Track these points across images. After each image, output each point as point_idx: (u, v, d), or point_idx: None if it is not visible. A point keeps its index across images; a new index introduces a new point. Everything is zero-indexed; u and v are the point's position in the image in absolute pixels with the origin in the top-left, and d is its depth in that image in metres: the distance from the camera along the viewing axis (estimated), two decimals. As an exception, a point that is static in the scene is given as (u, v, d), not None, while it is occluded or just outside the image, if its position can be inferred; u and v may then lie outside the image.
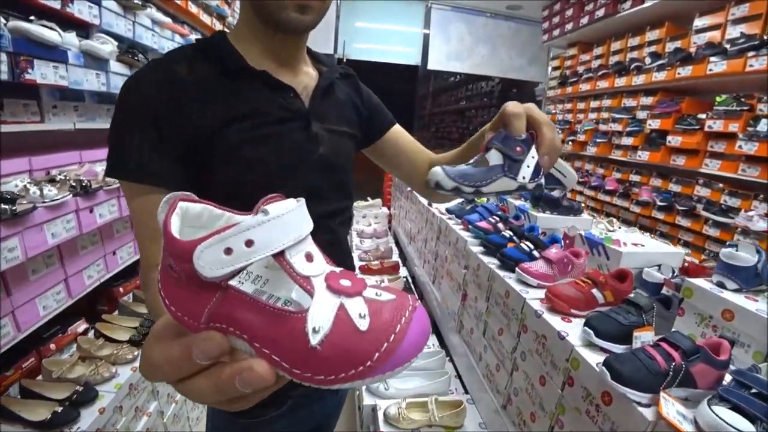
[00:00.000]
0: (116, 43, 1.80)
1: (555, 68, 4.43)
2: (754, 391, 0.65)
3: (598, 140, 3.51)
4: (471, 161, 0.62)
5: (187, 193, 0.34)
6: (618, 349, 0.87)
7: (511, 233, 1.51)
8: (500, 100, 6.28)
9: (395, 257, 2.86)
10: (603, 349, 0.88)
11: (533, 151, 0.61)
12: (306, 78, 0.80)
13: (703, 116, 2.67)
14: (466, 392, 1.60)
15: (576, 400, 0.90)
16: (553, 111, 4.38)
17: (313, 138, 0.76)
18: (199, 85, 0.67)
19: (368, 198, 4.14)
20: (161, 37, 2.18)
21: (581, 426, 0.88)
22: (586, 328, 0.90)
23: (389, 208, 4.08)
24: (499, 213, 1.81)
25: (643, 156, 3.06)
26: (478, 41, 4.92)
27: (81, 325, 1.86)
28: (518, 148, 0.59)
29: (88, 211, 1.66)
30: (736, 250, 1.01)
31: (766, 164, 2.35)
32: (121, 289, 2.12)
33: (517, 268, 1.23)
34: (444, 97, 7.38)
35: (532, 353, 1.10)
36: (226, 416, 0.86)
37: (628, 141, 3.20)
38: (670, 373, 0.71)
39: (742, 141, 2.43)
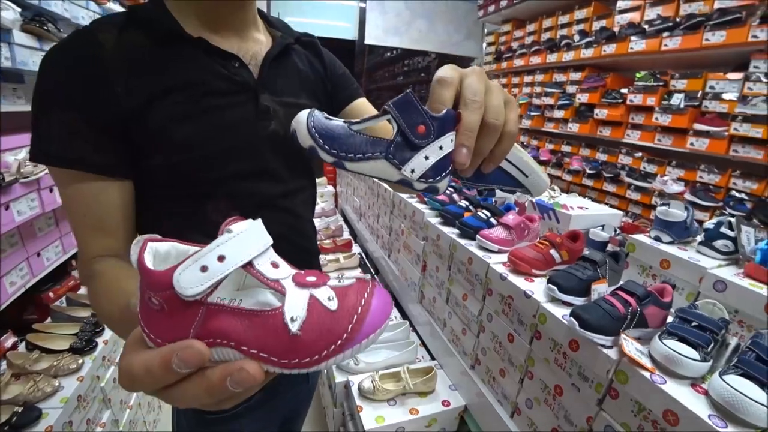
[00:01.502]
0: (19, 10, 1.55)
1: (490, 44, 4.54)
2: (694, 324, 0.77)
3: (531, 113, 3.69)
4: (359, 119, 0.42)
5: (154, 234, 0.35)
6: (579, 301, 0.96)
7: (467, 203, 1.56)
8: (437, 75, 6.36)
9: (346, 235, 2.84)
10: (566, 303, 0.97)
11: (447, 139, 0.40)
12: (255, 45, 0.72)
13: (625, 91, 2.90)
14: (433, 359, 1.67)
15: (544, 351, 0.99)
16: (489, 86, 4.51)
17: (263, 112, 0.68)
18: (126, 56, 0.59)
19: (311, 177, 4.03)
20: (73, 4, 1.91)
21: (550, 374, 0.97)
22: (550, 285, 0.98)
23: (335, 186, 4.00)
24: (453, 184, 1.85)
25: (573, 128, 3.27)
26: (415, 16, 4.88)
27: (8, 339, 1.66)
28: (421, 127, 0.39)
29: (4, 208, 1.46)
30: (669, 208, 1.13)
31: (677, 134, 2.61)
32: (51, 294, 1.91)
33: (477, 236, 1.29)
34: (380, 72, 7.27)
35: (498, 314, 1.17)
36: (192, 414, 0.82)
37: (559, 114, 3.40)
38: (628, 316, 0.80)
39: (657, 113, 2.68)
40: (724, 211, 2.40)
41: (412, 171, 0.39)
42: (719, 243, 0.99)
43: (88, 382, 1.59)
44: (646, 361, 0.73)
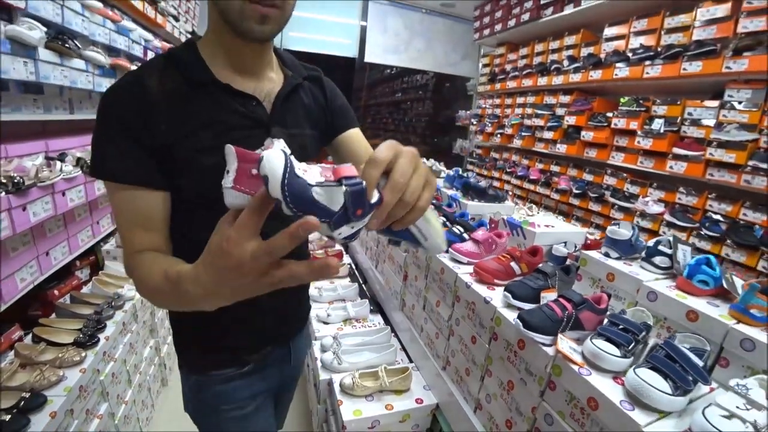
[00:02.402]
0: (44, 29, 1.69)
1: (485, 65, 4.70)
2: (621, 327, 0.89)
3: (523, 134, 3.83)
4: (322, 182, 0.45)
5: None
6: (529, 307, 1.08)
7: (445, 219, 1.69)
8: (434, 93, 6.56)
9: (338, 246, 2.96)
10: (518, 308, 1.09)
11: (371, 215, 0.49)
12: (269, 84, 0.85)
13: (610, 115, 3.04)
14: (411, 361, 1.79)
15: (500, 350, 1.11)
16: (483, 105, 4.67)
17: None
18: (166, 97, 0.73)
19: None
20: (92, 23, 2.06)
21: (504, 371, 1.09)
22: (505, 293, 1.12)
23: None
24: (434, 201, 1.99)
25: (562, 149, 3.41)
26: (414, 36, 5.07)
27: (15, 332, 1.76)
28: (360, 210, 0.46)
29: (21, 209, 1.58)
30: (618, 227, 1.25)
31: (658, 157, 2.74)
32: (56, 292, 2.02)
33: (450, 249, 1.41)
34: (380, 88, 7.51)
35: (464, 318, 1.30)
36: (196, 379, 0.99)
37: (549, 135, 3.54)
38: (564, 320, 0.92)
39: (640, 137, 2.81)
40: (700, 232, 2.52)
41: (340, 234, 0.47)
42: (657, 259, 1.11)
43: (90, 375, 1.70)
44: (577, 357, 0.84)
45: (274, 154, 0.43)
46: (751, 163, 2.26)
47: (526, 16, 3.71)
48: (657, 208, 2.77)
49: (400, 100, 7.06)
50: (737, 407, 0.66)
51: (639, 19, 2.89)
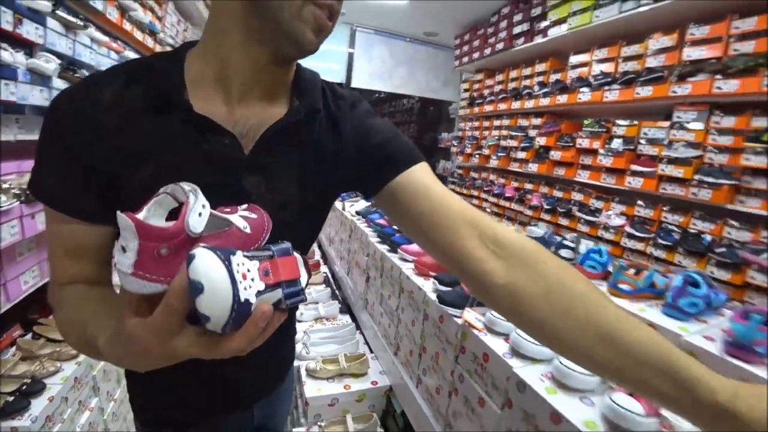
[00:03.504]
0: (59, 61, 1.94)
1: (465, 90, 4.99)
2: None
3: (499, 154, 4.07)
4: (264, 287, 0.41)
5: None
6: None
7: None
8: (419, 117, 6.87)
9: (317, 257, 3.17)
10: (442, 291, 1.27)
11: None
12: (262, 115, 0.64)
13: (576, 135, 3.27)
14: (372, 352, 1.99)
15: (429, 328, 1.29)
16: (464, 128, 4.94)
17: (245, 197, 0.59)
18: (122, 118, 0.57)
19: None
20: (98, 54, 2.32)
21: (434, 344, 1.27)
22: (434, 280, 1.32)
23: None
24: None
25: (533, 168, 3.64)
26: (398, 63, 5.41)
27: (17, 330, 1.95)
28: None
29: (31, 217, 1.78)
30: (535, 227, 1.46)
31: (618, 174, 2.96)
32: (56, 294, 2.20)
33: (399, 249, 1.61)
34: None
35: (406, 307, 1.49)
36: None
37: (522, 155, 3.77)
38: (470, 296, 1.10)
39: (602, 155, 3.04)
40: (657, 242, 2.71)
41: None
42: (563, 251, 1.31)
43: (84, 368, 1.87)
44: (479, 324, 1.03)
45: (210, 262, 0.35)
46: (696, 177, 2.48)
47: (500, 46, 4.00)
48: (618, 221, 2.97)
49: (387, 123, 7.27)
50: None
51: (599, 48, 3.16)
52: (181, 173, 0.52)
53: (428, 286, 1.33)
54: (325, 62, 5.23)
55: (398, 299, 1.54)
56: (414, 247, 1.57)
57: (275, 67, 0.63)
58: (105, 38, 2.38)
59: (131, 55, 2.78)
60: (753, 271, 2.22)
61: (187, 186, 0.42)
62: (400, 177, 0.68)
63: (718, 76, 2.36)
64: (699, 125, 2.53)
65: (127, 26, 2.70)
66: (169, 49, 3.29)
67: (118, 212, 0.39)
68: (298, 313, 2.32)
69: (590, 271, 1.16)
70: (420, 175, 0.69)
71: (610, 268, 1.15)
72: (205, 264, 0.35)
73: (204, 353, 0.42)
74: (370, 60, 5.23)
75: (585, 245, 1.27)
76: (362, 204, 2.39)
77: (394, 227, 1.88)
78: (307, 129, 0.67)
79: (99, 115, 0.57)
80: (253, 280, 0.38)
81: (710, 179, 2.42)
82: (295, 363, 1.88)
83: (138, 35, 2.89)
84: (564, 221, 3.37)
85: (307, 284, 0.46)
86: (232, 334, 0.40)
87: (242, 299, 0.37)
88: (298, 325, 2.25)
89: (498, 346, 0.97)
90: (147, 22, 3.00)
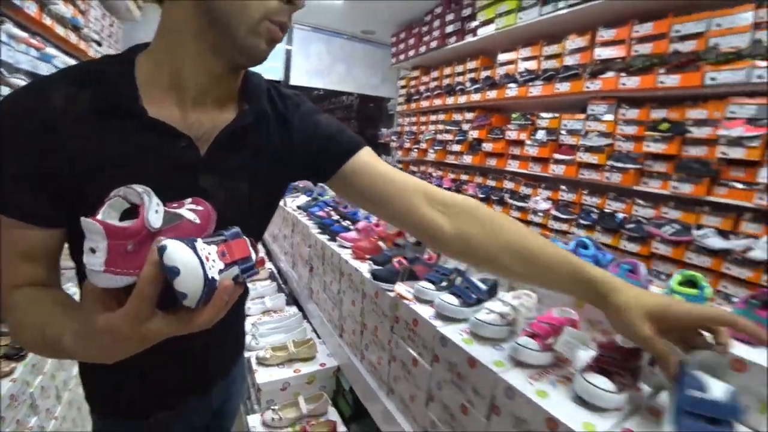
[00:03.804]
0: (-34, 58, 1.84)
1: (402, 87, 5.15)
2: (441, 273, 1.20)
3: (436, 148, 4.26)
4: (224, 266, 0.48)
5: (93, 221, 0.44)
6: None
7: (339, 217, 2.00)
8: (359, 113, 6.98)
9: (261, 254, 3.18)
10: (376, 269, 1.38)
11: None
12: (216, 119, 0.68)
13: (505, 128, 3.51)
14: (320, 338, 2.07)
15: (369, 305, 1.39)
16: (402, 123, 5.11)
17: (201, 193, 0.61)
18: (75, 123, 0.58)
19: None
20: (16, 51, 2.20)
21: (374, 319, 1.37)
22: (369, 261, 1.42)
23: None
24: (333, 204, 2.35)
25: (468, 159, 3.85)
26: (336, 60, 5.48)
27: (-58, 348, 1.82)
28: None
29: None
30: None
31: (543, 162, 3.22)
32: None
33: (338, 237, 1.72)
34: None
35: (347, 289, 1.58)
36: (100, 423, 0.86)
37: (457, 148, 3.98)
38: (401, 272, 1.22)
39: (528, 146, 3.29)
40: (579, 222, 2.98)
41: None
42: None
43: (20, 385, 1.78)
44: (408, 295, 1.15)
45: (181, 249, 0.42)
46: (609, 163, 2.77)
47: (434, 44, 4.19)
48: (545, 205, 3.24)
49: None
50: (494, 309, 0.99)
51: (523, 47, 3.41)
52: (141, 176, 0.52)
53: (364, 268, 1.44)
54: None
55: (339, 284, 1.63)
56: (351, 234, 1.67)
57: (228, 75, 0.67)
58: (23, 34, 2.26)
59: (52, 51, 2.65)
60: (656, 242, 2.53)
61: (139, 188, 0.46)
62: (351, 161, 0.77)
63: (623, 74, 2.65)
64: (609, 117, 2.82)
65: (47, 21, 2.56)
66: (96, 45, 3.18)
67: (83, 218, 0.43)
68: (245, 306, 2.35)
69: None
70: (367, 158, 0.79)
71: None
72: (177, 251, 0.42)
73: (178, 330, 0.48)
74: (308, 57, 5.25)
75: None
76: (303, 199, 2.47)
77: (333, 218, 1.97)
78: (257, 130, 0.72)
79: (53, 121, 0.57)
80: (214, 261, 0.46)
81: (620, 164, 2.71)
82: (246, 354, 1.93)
83: (60, 31, 2.74)
84: (498, 208, 3.60)
85: (256, 261, 0.53)
86: (202, 309, 0.46)
87: (210, 277, 0.44)
88: (246, 319, 2.29)
89: (425, 311, 1.09)
90: (69, 16, 2.82)
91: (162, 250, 0.42)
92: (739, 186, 2.21)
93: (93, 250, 0.43)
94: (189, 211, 0.51)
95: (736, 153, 2.18)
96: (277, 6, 0.59)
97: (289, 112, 0.77)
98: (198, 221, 0.51)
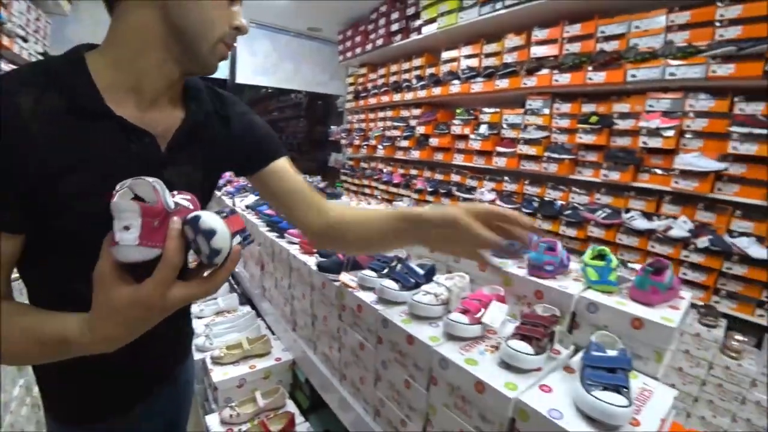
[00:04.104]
0: None
1: (350, 84, 5.19)
2: (381, 260, 1.27)
3: (385, 144, 4.35)
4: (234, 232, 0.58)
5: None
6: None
7: None
8: (308, 111, 6.94)
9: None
10: (321, 261, 1.43)
11: None
12: (170, 119, 0.74)
13: (450, 123, 3.64)
14: (274, 334, 2.09)
15: (318, 296, 1.44)
16: (351, 120, 5.16)
17: (167, 186, 0.61)
18: (42, 125, 0.59)
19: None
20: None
21: (323, 309, 1.42)
22: (316, 255, 1.47)
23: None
24: None
25: (416, 154, 3.96)
26: (283, 57, 5.42)
27: None
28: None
29: None
30: (401, 201, 1.69)
31: (487, 155, 3.37)
32: None
33: (286, 234, 1.75)
34: (257, 108, 7.64)
35: (297, 283, 1.62)
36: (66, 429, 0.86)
37: (405, 143, 4.08)
38: (345, 262, 1.28)
39: (472, 140, 3.43)
40: (522, 210, 3.15)
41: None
42: None
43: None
44: (353, 284, 1.21)
45: (213, 216, 0.53)
46: (546, 154, 2.94)
47: (380, 42, 4.26)
48: (490, 196, 3.39)
49: (277, 119, 7.35)
50: (430, 290, 1.08)
51: (465, 45, 3.54)
52: (112, 173, 0.57)
53: (312, 261, 1.48)
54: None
55: (289, 278, 1.66)
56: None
57: (180, 79, 0.74)
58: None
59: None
60: (591, 226, 2.73)
61: (149, 179, 0.52)
62: (274, 164, 0.91)
63: (556, 71, 2.83)
64: (545, 111, 3.00)
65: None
66: (21, 41, 2.98)
67: (124, 198, 0.50)
68: (198, 308, 2.33)
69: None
70: (286, 164, 0.93)
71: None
72: (211, 217, 0.52)
73: (199, 294, 0.56)
74: (254, 55, 5.16)
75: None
76: (252, 198, 2.47)
77: (281, 215, 1.99)
78: (206, 126, 0.80)
79: (19, 125, 0.57)
80: None
81: (556, 155, 2.89)
82: (200, 355, 1.93)
83: (-19, 26, 2.56)
84: (446, 201, 3.73)
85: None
86: (220, 271, 0.56)
87: (232, 238, 0.55)
88: (199, 321, 2.27)
89: (368, 297, 1.15)
90: (-8, 11, 2.66)
91: (197, 218, 0.51)
92: (659, 172, 2.43)
93: (127, 228, 0.49)
94: (182, 199, 0.58)
95: (655, 142, 2.39)
96: (230, 31, 0.71)
97: (227, 109, 0.87)
98: (191, 207, 0.58)
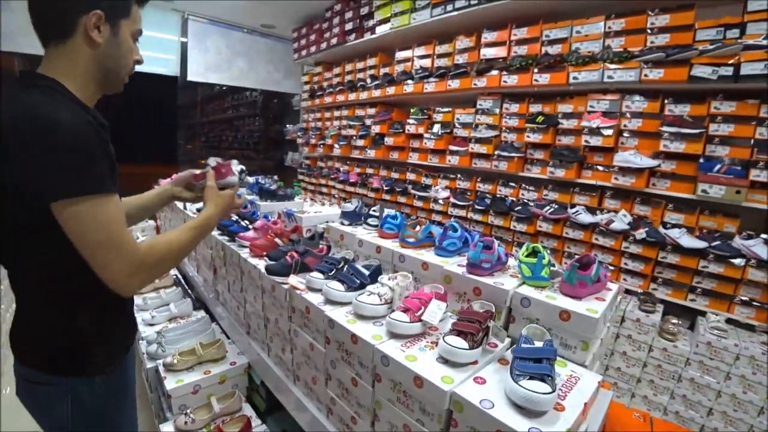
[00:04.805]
0: None
1: (306, 83, 5.14)
2: (328, 262, 1.32)
3: (341, 143, 4.35)
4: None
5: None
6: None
7: (238, 218, 2.01)
8: (263, 109, 6.81)
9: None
10: (270, 264, 1.45)
11: None
12: None
13: (405, 122, 3.69)
14: (228, 338, 2.07)
15: (268, 299, 1.46)
16: (307, 119, 5.12)
17: None
18: (102, 130, 0.86)
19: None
20: None
21: (273, 312, 1.45)
22: (265, 258, 1.46)
23: (156, 220, 4.11)
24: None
25: (372, 153, 3.99)
26: (236, 54, 5.27)
27: None
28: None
29: None
30: (347, 203, 1.72)
31: (440, 154, 3.44)
32: None
33: (236, 237, 1.73)
34: (211, 106, 7.52)
35: (248, 286, 1.63)
36: (98, 378, 1.01)
37: (361, 142, 4.10)
38: (293, 264, 1.30)
39: (426, 139, 3.49)
40: (475, 207, 3.24)
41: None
42: (371, 220, 1.58)
43: None
44: (301, 286, 1.23)
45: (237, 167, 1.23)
46: (496, 152, 3.04)
47: (334, 41, 4.25)
48: (444, 194, 3.46)
49: (232, 117, 7.21)
50: (374, 290, 1.11)
51: (419, 46, 3.59)
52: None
53: (262, 265, 1.49)
54: (155, 52, 4.80)
55: (241, 282, 1.66)
56: (249, 233, 1.71)
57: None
58: None
59: None
60: (540, 221, 2.85)
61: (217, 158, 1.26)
62: None
63: (504, 72, 2.93)
64: (496, 111, 3.10)
65: None
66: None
67: (217, 160, 1.25)
68: (149, 315, 2.26)
69: (388, 231, 1.44)
70: None
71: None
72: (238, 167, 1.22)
73: (235, 204, 1.18)
74: (206, 51, 4.99)
75: (387, 213, 1.54)
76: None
77: (232, 219, 1.96)
78: None
79: (96, 128, 0.84)
80: None
81: (505, 153, 2.99)
82: (152, 363, 1.88)
83: None
84: (402, 199, 3.79)
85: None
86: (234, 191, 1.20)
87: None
88: (150, 328, 2.21)
89: (315, 299, 1.18)
90: None
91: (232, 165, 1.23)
92: (600, 168, 2.57)
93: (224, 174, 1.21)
94: (213, 160, 1.24)
95: (596, 141, 2.52)
96: (131, 66, 1.00)
97: None
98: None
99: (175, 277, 2.82)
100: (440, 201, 3.48)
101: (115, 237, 0.84)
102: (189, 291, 2.61)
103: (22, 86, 0.85)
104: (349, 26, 4.08)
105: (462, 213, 3.33)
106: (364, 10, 3.90)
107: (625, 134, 2.45)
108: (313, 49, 4.58)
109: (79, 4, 0.86)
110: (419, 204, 3.65)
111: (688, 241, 2.21)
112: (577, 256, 1.08)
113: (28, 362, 0.96)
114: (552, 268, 1.12)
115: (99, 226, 0.82)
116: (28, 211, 0.81)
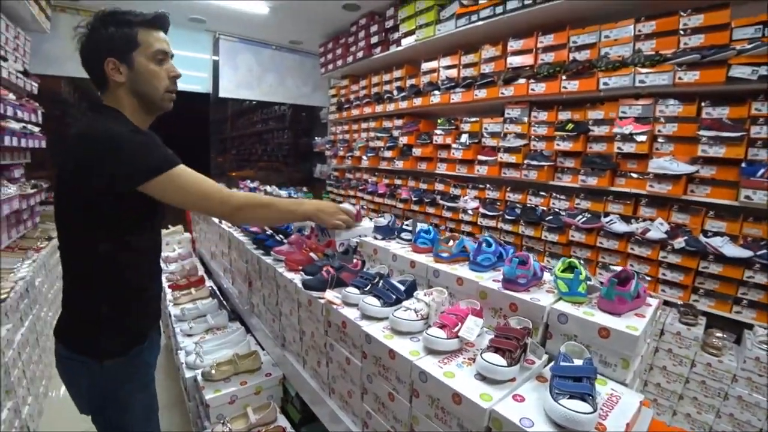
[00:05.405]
0: None
1: (333, 96, 5.25)
2: (364, 277, 1.33)
3: (369, 154, 4.40)
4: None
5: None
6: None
7: (272, 231, 2.05)
8: (292, 123, 6.98)
9: (200, 272, 3.15)
10: (306, 279, 1.47)
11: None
12: None
13: (432, 133, 3.71)
14: (263, 349, 2.12)
15: (304, 313, 1.49)
16: (335, 132, 5.21)
17: None
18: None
19: (169, 226, 4.18)
20: None
21: (309, 325, 1.47)
22: (302, 273, 1.49)
23: (191, 233, 4.21)
24: None
25: (400, 164, 4.02)
26: (266, 70, 5.43)
27: None
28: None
29: None
30: (381, 217, 1.73)
31: (469, 164, 3.44)
32: None
33: (272, 251, 1.77)
34: (241, 120, 7.67)
35: (284, 300, 1.66)
36: (121, 359, 1.17)
37: (388, 154, 4.14)
38: (329, 279, 1.32)
39: (454, 149, 3.50)
40: (505, 217, 3.22)
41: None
42: (404, 235, 1.59)
43: None
44: (337, 301, 1.26)
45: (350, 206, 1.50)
46: (526, 161, 3.02)
47: (360, 54, 4.33)
48: (473, 204, 3.45)
49: (262, 130, 7.40)
50: (410, 306, 1.12)
51: (444, 56, 3.62)
52: None
53: (298, 279, 1.52)
54: (189, 70, 4.98)
55: (277, 295, 1.70)
56: (284, 247, 1.75)
57: (151, 119, 1.22)
58: None
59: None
60: (572, 231, 2.80)
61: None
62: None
63: (532, 80, 2.91)
64: (524, 119, 3.08)
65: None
66: (1, 62, 2.96)
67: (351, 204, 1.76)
68: (187, 326, 2.34)
69: (422, 246, 1.45)
70: None
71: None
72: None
73: (337, 222, 1.38)
74: (236, 68, 5.17)
75: (420, 227, 1.55)
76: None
77: (267, 233, 2.01)
78: None
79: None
80: None
81: (535, 162, 2.97)
82: (191, 373, 1.95)
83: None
84: (431, 210, 3.80)
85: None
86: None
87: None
88: (188, 339, 2.29)
89: (352, 314, 1.20)
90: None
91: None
92: (635, 176, 2.51)
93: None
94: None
95: (629, 147, 2.47)
96: (169, 83, 1.16)
97: None
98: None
99: (210, 288, 2.91)
100: (469, 211, 3.47)
101: (207, 190, 1.11)
102: (224, 303, 2.69)
103: (94, 113, 1.12)
104: (374, 39, 4.15)
105: (492, 223, 3.31)
106: (389, 24, 3.96)
107: (660, 140, 2.39)
108: (339, 62, 4.67)
109: (97, 62, 1.08)
110: (448, 215, 3.65)
111: (732, 250, 2.13)
112: (614, 270, 1.06)
113: (58, 336, 1.16)
114: (588, 282, 1.10)
115: (191, 186, 1.09)
116: (105, 199, 1.01)
